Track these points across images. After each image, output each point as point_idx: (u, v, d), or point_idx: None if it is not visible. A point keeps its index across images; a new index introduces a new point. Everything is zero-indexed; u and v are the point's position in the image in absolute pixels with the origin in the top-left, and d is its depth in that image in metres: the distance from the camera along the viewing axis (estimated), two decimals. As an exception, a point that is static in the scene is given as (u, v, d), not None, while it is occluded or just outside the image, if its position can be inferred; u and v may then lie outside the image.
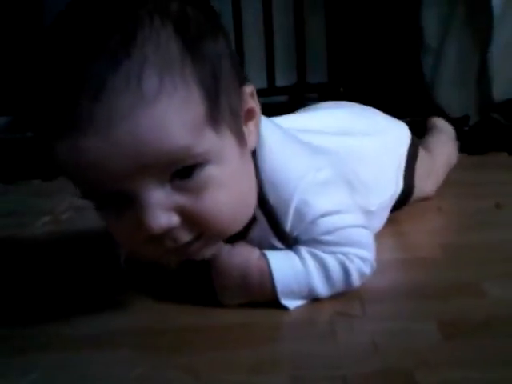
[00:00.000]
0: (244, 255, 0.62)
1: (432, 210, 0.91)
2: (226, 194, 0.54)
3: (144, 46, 0.48)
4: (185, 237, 0.54)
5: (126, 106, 0.47)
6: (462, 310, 0.60)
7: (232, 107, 0.54)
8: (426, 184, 0.91)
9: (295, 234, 0.62)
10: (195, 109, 0.50)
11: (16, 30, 1.70)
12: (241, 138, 0.56)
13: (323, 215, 0.61)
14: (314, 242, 0.62)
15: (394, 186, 0.81)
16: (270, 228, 0.63)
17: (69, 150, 0.49)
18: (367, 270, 0.63)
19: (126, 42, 0.47)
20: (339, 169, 0.66)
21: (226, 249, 0.62)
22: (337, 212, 0.62)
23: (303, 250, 0.62)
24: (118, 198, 0.52)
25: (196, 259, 0.59)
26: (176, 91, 0.48)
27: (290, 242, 0.63)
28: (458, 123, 1.47)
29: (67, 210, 1.00)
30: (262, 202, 0.61)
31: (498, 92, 1.47)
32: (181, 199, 0.52)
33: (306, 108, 0.91)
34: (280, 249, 0.64)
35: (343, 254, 0.62)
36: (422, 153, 0.89)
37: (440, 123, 1.10)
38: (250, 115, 0.59)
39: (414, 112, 1.37)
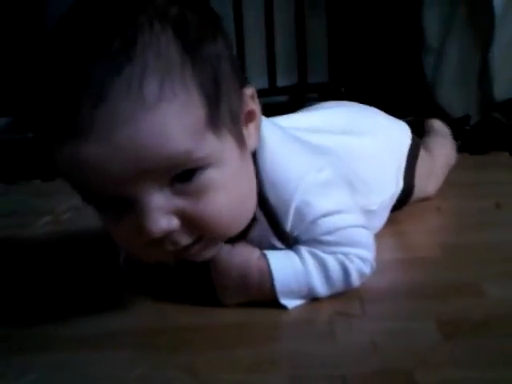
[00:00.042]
0: (244, 255, 0.62)
1: (432, 210, 0.91)
2: (226, 196, 0.54)
3: (144, 51, 0.48)
4: (185, 240, 0.55)
5: (127, 111, 0.47)
6: (461, 309, 0.60)
7: (232, 110, 0.55)
8: (426, 184, 0.91)
9: (295, 233, 0.62)
10: (195, 113, 0.50)
11: (18, 32, 1.70)
12: (241, 141, 0.57)
13: (324, 215, 0.61)
14: (314, 241, 0.62)
15: (394, 186, 0.80)
16: (271, 228, 0.63)
17: (70, 156, 0.49)
18: (367, 269, 0.63)
19: (127, 48, 0.47)
20: (340, 169, 0.66)
21: (225, 248, 0.62)
22: (337, 212, 0.62)
23: (303, 249, 0.62)
24: (119, 202, 0.52)
25: (196, 261, 0.59)
26: (176, 96, 0.49)
27: (290, 242, 0.63)
28: (459, 123, 1.47)
29: (68, 210, 1.00)
30: (263, 202, 0.61)
31: (500, 91, 1.47)
32: (181, 202, 0.52)
33: (306, 108, 0.91)
34: (280, 249, 0.64)
35: (343, 254, 0.62)
36: (422, 153, 0.89)
37: (437, 125, 1.10)
38: (250, 117, 0.59)
39: (415, 112, 1.37)
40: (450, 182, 0.98)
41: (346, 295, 0.63)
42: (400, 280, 0.69)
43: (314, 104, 0.94)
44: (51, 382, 0.54)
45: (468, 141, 1.32)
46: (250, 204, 0.59)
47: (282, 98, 1.87)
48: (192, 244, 0.56)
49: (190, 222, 0.53)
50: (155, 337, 0.60)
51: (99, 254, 0.80)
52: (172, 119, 0.49)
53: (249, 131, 0.59)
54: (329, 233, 0.62)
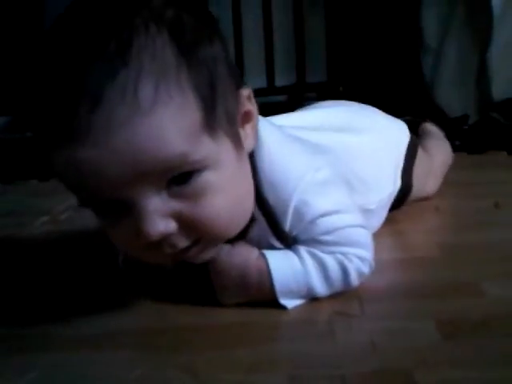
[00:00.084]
0: (243, 255, 0.62)
1: (430, 210, 0.91)
2: (224, 198, 0.54)
3: (140, 53, 0.48)
4: (183, 242, 0.55)
5: (123, 115, 0.47)
6: (460, 309, 0.60)
7: (228, 112, 0.55)
8: (425, 183, 0.92)
9: (294, 233, 0.62)
10: (191, 116, 0.51)
11: (17, 31, 1.70)
12: (237, 142, 0.57)
13: (323, 215, 0.61)
14: (313, 241, 0.62)
15: (392, 185, 0.81)
16: (269, 228, 0.63)
17: (67, 160, 0.49)
18: (366, 269, 0.63)
19: (123, 50, 0.47)
20: (338, 168, 0.66)
21: (225, 249, 0.62)
22: (336, 212, 0.62)
23: (302, 249, 0.62)
24: (116, 205, 0.52)
25: (195, 262, 0.60)
26: (172, 99, 0.49)
27: (289, 242, 0.63)
28: (457, 122, 1.47)
29: (66, 209, 1.00)
30: (261, 201, 0.61)
31: (498, 91, 1.48)
32: (178, 205, 0.52)
33: (305, 107, 0.91)
34: (279, 248, 0.64)
35: (342, 253, 0.62)
36: (420, 152, 0.90)
37: (431, 128, 1.10)
38: (247, 118, 0.59)
39: (414, 112, 1.37)
40: (449, 182, 0.98)
41: (345, 295, 0.63)
42: (399, 280, 0.69)
43: (313, 103, 0.94)
44: (51, 382, 0.54)
45: (466, 140, 1.32)
46: (248, 205, 0.60)
47: (281, 98, 1.87)
48: (190, 246, 0.56)
49: (187, 224, 0.53)
50: (155, 337, 0.60)
51: (98, 254, 0.80)
52: (168, 122, 0.49)
53: (245, 132, 0.59)
54: (327, 232, 0.62)
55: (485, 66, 1.48)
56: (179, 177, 0.51)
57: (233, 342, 0.57)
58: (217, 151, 0.53)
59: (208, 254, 0.59)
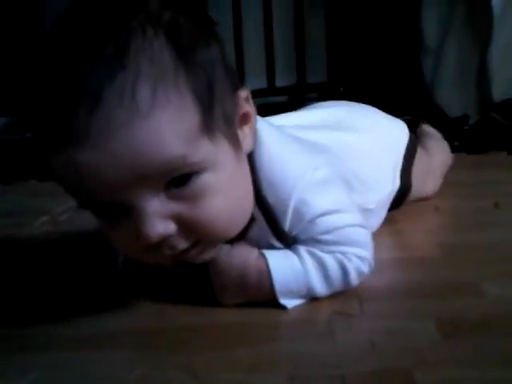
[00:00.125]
0: (242, 255, 0.62)
1: (430, 210, 0.91)
2: (223, 200, 0.54)
3: (137, 56, 0.48)
4: (182, 244, 0.55)
5: (121, 118, 0.47)
6: (460, 309, 0.60)
7: (226, 113, 0.55)
8: (424, 183, 0.92)
9: (294, 233, 0.62)
10: (190, 118, 0.51)
11: (17, 32, 1.70)
12: (236, 143, 0.57)
13: (322, 214, 0.61)
14: (312, 241, 0.62)
15: (391, 184, 0.81)
16: (269, 227, 0.63)
17: (66, 163, 0.49)
18: (365, 268, 0.63)
19: (120, 54, 0.48)
20: (337, 167, 0.66)
21: (224, 249, 0.62)
22: (335, 211, 0.62)
23: (302, 249, 0.62)
24: (115, 207, 0.52)
25: (195, 263, 0.60)
26: (170, 102, 0.49)
27: (288, 242, 0.63)
28: (457, 123, 1.47)
29: (65, 210, 1.00)
30: (261, 201, 0.61)
31: (498, 92, 1.48)
32: (177, 207, 0.53)
33: (305, 108, 0.91)
34: (279, 248, 0.64)
35: (342, 253, 0.62)
36: (419, 152, 0.90)
37: (429, 129, 1.10)
38: (245, 119, 0.59)
39: (414, 112, 1.37)
40: (449, 182, 0.98)
41: (344, 295, 0.63)
42: (398, 279, 0.69)
43: (313, 104, 0.94)
44: (52, 382, 0.54)
45: (466, 141, 1.33)
46: (247, 206, 0.60)
47: (281, 98, 1.87)
48: (190, 247, 0.56)
49: (186, 226, 0.54)
50: (155, 337, 0.60)
51: (98, 255, 0.80)
52: (166, 125, 0.49)
53: (244, 133, 0.59)
54: (327, 232, 0.62)
55: (485, 66, 1.48)
56: (178, 179, 0.51)
57: (232, 342, 0.57)
58: (215, 153, 0.53)
59: (208, 255, 0.59)
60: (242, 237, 0.63)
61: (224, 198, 0.54)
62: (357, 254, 0.63)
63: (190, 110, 0.51)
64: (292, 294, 0.62)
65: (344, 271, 0.62)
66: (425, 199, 0.93)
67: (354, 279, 0.63)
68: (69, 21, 0.52)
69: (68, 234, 0.93)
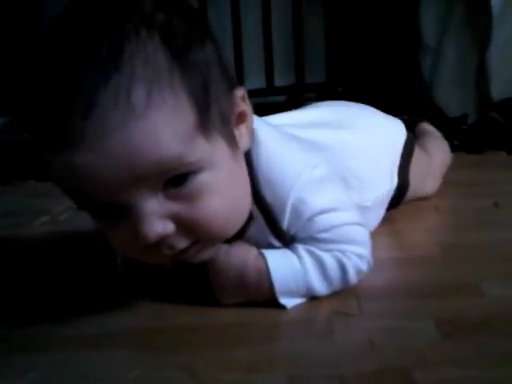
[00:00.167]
0: (241, 255, 0.62)
1: (430, 210, 0.91)
2: (220, 199, 0.54)
3: (132, 58, 0.48)
4: (181, 243, 0.55)
5: (117, 119, 0.47)
6: (460, 308, 0.60)
7: (222, 113, 0.55)
8: (424, 183, 0.92)
9: (292, 231, 0.62)
10: (185, 118, 0.51)
11: (15, 32, 1.70)
12: (232, 142, 0.57)
13: (320, 213, 0.62)
14: (310, 239, 0.62)
15: (388, 183, 0.81)
16: (267, 226, 0.63)
17: (63, 165, 0.50)
18: (364, 266, 0.63)
19: (114, 56, 0.48)
20: (334, 165, 0.66)
21: (223, 248, 0.62)
22: (333, 209, 0.62)
23: (300, 247, 0.62)
24: (113, 208, 0.52)
25: (194, 262, 0.60)
26: (165, 102, 0.49)
27: (287, 240, 0.63)
28: (456, 122, 1.47)
29: (65, 210, 1.00)
30: (259, 200, 0.61)
31: (497, 91, 1.48)
32: (175, 207, 0.53)
33: (303, 107, 0.91)
34: (277, 247, 0.64)
35: (340, 251, 0.62)
36: (418, 152, 0.90)
37: (428, 127, 1.11)
38: (241, 118, 0.59)
39: (413, 111, 1.37)
40: (448, 182, 0.98)
41: (343, 294, 0.63)
42: (398, 279, 0.69)
43: (312, 104, 0.94)
44: (51, 382, 0.54)
45: (465, 140, 1.33)
46: (245, 204, 0.60)
47: (280, 98, 1.87)
48: (188, 247, 0.56)
49: (185, 225, 0.54)
50: (154, 337, 0.59)
51: (97, 255, 0.80)
52: (162, 125, 0.49)
53: (240, 132, 0.59)
54: (325, 230, 0.62)
55: (484, 65, 1.48)
56: (175, 178, 0.51)
57: (231, 342, 0.57)
58: (212, 152, 0.53)
59: (206, 254, 0.59)
60: (241, 236, 0.63)
61: (221, 197, 0.54)
62: (355, 252, 0.63)
63: (185, 109, 0.51)
64: (291, 294, 0.62)
65: (343, 269, 0.62)
66: (424, 199, 0.93)
67: (353, 277, 0.63)
68: (64, 23, 0.52)
69: (67, 234, 0.93)
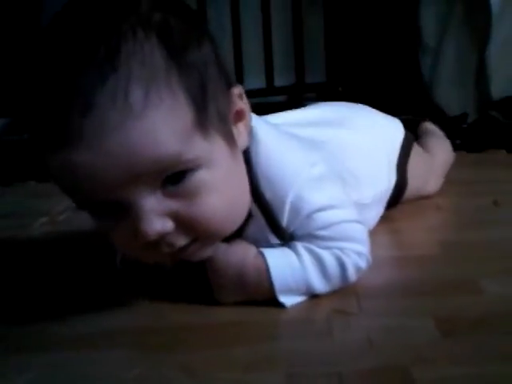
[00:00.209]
0: (240, 253, 0.62)
1: (431, 208, 0.91)
2: (219, 197, 0.54)
3: (129, 59, 0.48)
4: (180, 241, 0.55)
5: (115, 119, 0.48)
6: (459, 306, 0.60)
7: (220, 111, 0.55)
8: (426, 182, 0.93)
9: (291, 229, 0.62)
10: (183, 117, 0.51)
11: (14, 32, 1.70)
12: (230, 140, 0.57)
13: (318, 210, 0.62)
14: (309, 237, 0.62)
15: (386, 181, 0.81)
16: (267, 224, 0.63)
17: (62, 164, 0.50)
18: (363, 264, 0.63)
19: (111, 57, 0.48)
20: (333, 164, 0.66)
21: (222, 247, 0.62)
22: (331, 207, 0.62)
23: (299, 245, 0.62)
24: (112, 207, 0.53)
25: (193, 261, 0.60)
26: (163, 101, 0.49)
27: (286, 238, 0.63)
28: (456, 121, 1.47)
29: (64, 210, 1.00)
30: (258, 198, 0.61)
31: (496, 90, 1.48)
32: (174, 205, 0.53)
33: (303, 107, 0.91)
34: (276, 245, 0.63)
35: (339, 248, 0.62)
36: (420, 151, 0.90)
37: (431, 127, 1.11)
38: (239, 116, 0.59)
39: (413, 111, 1.37)
40: (449, 180, 0.99)
41: (343, 292, 0.63)
42: (397, 277, 0.69)
43: (312, 104, 0.94)
44: (49, 382, 0.54)
45: (465, 139, 1.32)
46: (244, 202, 0.60)
47: (280, 98, 1.87)
48: (188, 245, 0.56)
49: (184, 223, 0.54)
50: (152, 336, 0.59)
51: (96, 254, 0.80)
52: (160, 124, 0.49)
53: (238, 130, 0.59)
54: (323, 227, 0.62)
55: (483, 64, 1.48)
56: (173, 176, 0.52)
57: (230, 341, 0.57)
58: (210, 150, 0.53)
59: (206, 252, 0.59)
60: (240, 234, 0.63)
61: (220, 194, 0.54)
62: (354, 249, 0.63)
63: (183, 108, 0.51)
64: (291, 292, 0.62)
65: (342, 267, 0.62)
66: (426, 197, 0.93)
67: (352, 275, 0.63)
68: (61, 24, 0.52)
69: (67, 234, 0.93)
